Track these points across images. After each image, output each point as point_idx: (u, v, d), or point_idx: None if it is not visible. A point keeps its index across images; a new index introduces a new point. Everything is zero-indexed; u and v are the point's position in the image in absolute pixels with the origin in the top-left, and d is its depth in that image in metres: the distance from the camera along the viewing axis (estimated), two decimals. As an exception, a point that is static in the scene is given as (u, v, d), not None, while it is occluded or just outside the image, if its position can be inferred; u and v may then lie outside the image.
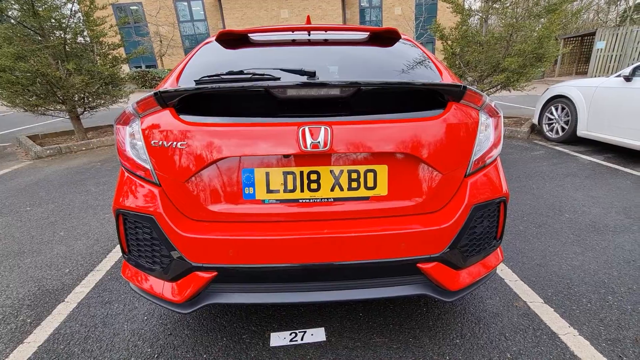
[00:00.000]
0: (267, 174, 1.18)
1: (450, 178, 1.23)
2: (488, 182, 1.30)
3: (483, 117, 1.28)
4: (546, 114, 5.10)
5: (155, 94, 1.15)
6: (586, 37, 16.28)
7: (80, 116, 5.61)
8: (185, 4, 23.33)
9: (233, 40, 1.72)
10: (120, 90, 5.77)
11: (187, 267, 1.20)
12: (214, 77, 1.30)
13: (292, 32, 1.74)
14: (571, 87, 4.68)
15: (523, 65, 5.18)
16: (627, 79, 3.91)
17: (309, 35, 1.75)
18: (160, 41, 20.55)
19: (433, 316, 1.63)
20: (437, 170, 1.20)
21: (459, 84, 1.20)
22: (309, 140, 1.11)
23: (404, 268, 1.24)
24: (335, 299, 1.26)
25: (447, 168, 1.21)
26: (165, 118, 1.19)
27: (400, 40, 1.77)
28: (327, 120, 1.13)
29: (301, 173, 1.19)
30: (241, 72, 1.31)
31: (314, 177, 1.19)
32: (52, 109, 5.30)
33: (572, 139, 4.69)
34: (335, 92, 1.14)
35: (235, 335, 1.55)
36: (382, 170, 1.20)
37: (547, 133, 5.11)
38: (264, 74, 1.30)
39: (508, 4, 5.30)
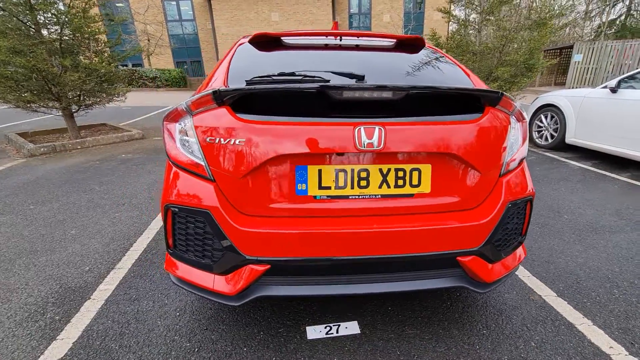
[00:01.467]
0: (320, 171, 1.24)
1: (487, 177, 1.33)
2: (519, 181, 1.40)
3: (513, 121, 1.38)
4: (536, 121, 5.37)
5: (215, 92, 1.19)
6: (564, 50, 17.11)
7: (75, 114, 5.47)
8: (174, 3, 23.03)
9: (267, 42, 1.77)
10: (115, 88, 5.66)
11: (241, 260, 1.24)
12: (266, 78, 1.36)
13: (325, 37, 1.82)
14: (560, 96, 4.95)
15: (514, 74, 5.44)
16: (613, 90, 4.18)
17: (340, 40, 1.82)
18: (148, 40, 20.16)
19: (458, 309, 1.72)
20: (477, 170, 1.30)
21: (497, 90, 1.30)
22: (364, 139, 1.18)
23: (444, 261, 1.32)
24: (379, 291, 1.32)
25: (485, 168, 1.31)
26: (222, 116, 1.23)
27: (425, 47, 1.87)
28: (380, 121, 1.21)
29: (352, 171, 1.25)
30: (293, 74, 1.37)
31: (363, 174, 1.26)
32: (45, 106, 5.15)
33: (561, 146, 4.95)
34: (388, 94, 1.22)
35: (272, 329, 1.58)
36: (426, 169, 1.28)
37: (536, 140, 5.37)
38: (314, 76, 1.36)
39: (501, 16, 5.57)
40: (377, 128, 1.19)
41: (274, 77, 1.36)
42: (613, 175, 3.94)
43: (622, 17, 21.51)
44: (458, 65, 1.73)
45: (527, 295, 1.83)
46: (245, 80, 1.36)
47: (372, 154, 1.23)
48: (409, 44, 1.84)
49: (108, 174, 3.92)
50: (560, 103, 4.87)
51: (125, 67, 19.36)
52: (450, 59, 1.80)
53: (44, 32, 5.13)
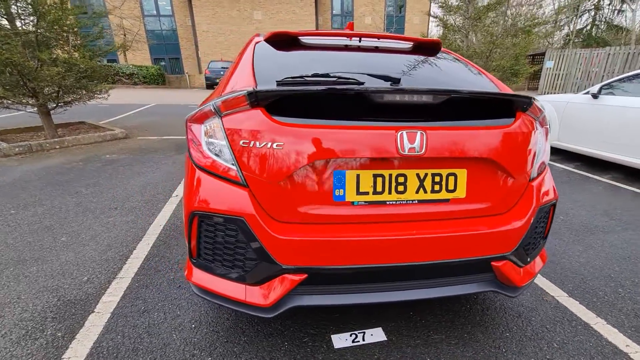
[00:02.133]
0: (358, 176, 1.20)
1: (519, 182, 1.34)
2: (546, 185, 1.42)
3: (538, 126, 1.40)
4: (521, 125, 5.56)
5: (250, 93, 1.13)
6: (537, 57, 17.92)
7: (52, 111, 5.14)
8: (152, -3, 22.23)
9: (285, 41, 1.72)
10: (96, 85, 5.37)
11: (277, 269, 1.18)
12: (299, 79, 1.30)
13: (344, 37, 1.78)
14: (544, 101, 5.16)
15: (501, 79, 5.63)
16: (594, 96, 4.40)
17: (360, 41, 1.79)
18: (124, 35, 19.31)
19: (478, 312, 1.73)
20: (510, 175, 1.30)
21: (529, 96, 1.31)
22: (406, 144, 1.15)
23: (478, 266, 1.32)
24: (414, 297, 1.30)
25: (518, 172, 1.31)
26: (257, 118, 1.16)
27: (441, 51, 1.87)
28: (421, 125, 1.18)
29: (390, 175, 1.22)
30: (327, 75, 1.32)
31: (401, 179, 1.23)
32: (19, 102, 4.80)
33: (545, 149, 5.15)
34: (429, 98, 1.20)
35: (296, 339, 1.53)
36: (462, 174, 1.28)
37: (521, 142, 5.57)
38: (349, 78, 1.32)
39: (489, 22, 5.74)
40: (418, 132, 1.17)
41: (307, 79, 1.30)
42: (596, 177, 4.15)
43: (588, 27, 22.83)
44: (479, 69, 1.75)
45: (541, 296, 1.87)
46: (277, 81, 1.30)
47: (411, 159, 1.21)
48: (427, 47, 1.84)
49: (94, 176, 3.70)
50: (545, 108, 5.07)
51: (99, 63, 18.48)
52: (469, 63, 1.81)
53: (18, 23, 4.79)
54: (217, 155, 1.22)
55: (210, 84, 18.00)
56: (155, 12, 22.69)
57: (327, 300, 1.25)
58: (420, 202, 1.26)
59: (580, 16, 22.58)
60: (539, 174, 1.42)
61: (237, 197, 1.18)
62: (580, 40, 22.36)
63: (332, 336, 1.55)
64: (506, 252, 1.31)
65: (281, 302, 1.21)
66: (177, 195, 3.18)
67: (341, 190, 1.21)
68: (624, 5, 21.12)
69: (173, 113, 8.92)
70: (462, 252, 1.27)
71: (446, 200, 1.28)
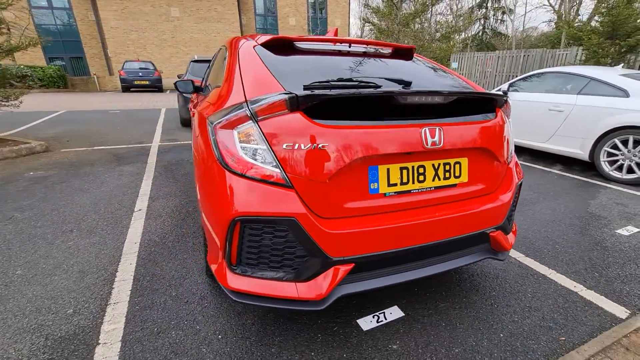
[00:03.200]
0: (388, 170, 1.35)
1: (502, 165, 1.64)
2: (517, 167, 1.76)
3: (507, 119, 1.73)
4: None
5: (293, 97, 1.19)
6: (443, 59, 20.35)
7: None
8: (41, -14, 19.03)
9: (282, 46, 1.77)
10: (6, 91, 4.50)
11: (327, 262, 1.26)
12: (325, 83, 1.39)
13: (334, 43, 1.90)
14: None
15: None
16: (505, 93, 5.29)
17: (350, 47, 1.93)
18: (8, 29, 16.16)
19: (467, 281, 2.03)
20: (497, 159, 1.59)
21: (505, 94, 1.61)
22: (429, 139, 1.34)
23: (480, 238, 1.58)
24: (432, 273, 1.49)
25: (501, 157, 1.61)
26: (298, 121, 1.22)
27: (414, 55, 2.12)
28: (438, 122, 1.38)
29: (412, 167, 1.39)
30: (350, 80, 1.43)
31: (421, 170, 1.41)
32: None
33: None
34: (441, 99, 1.39)
35: (327, 329, 1.61)
36: (464, 162, 1.52)
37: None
38: (369, 82, 1.45)
39: (416, 28, 6.40)
40: (437, 128, 1.36)
41: (332, 83, 1.40)
42: (512, 159, 5.00)
43: (480, 34, 26.73)
44: (451, 72, 2.03)
45: (507, 259, 2.26)
46: (304, 86, 1.36)
47: (429, 152, 1.39)
48: (405, 52, 2.06)
49: (23, 197, 3.14)
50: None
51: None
52: (441, 66, 2.09)
53: None
54: (255, 159, 1.24)
55: (127, 87, 16.23)
56: (46, 3, 19.47)
57: (368, 285, 1.37)
58: (436, 188, 1.46)
59: (473, 23, 26.29)
60: (512, 158, 1.75)
61: (285, 198, 1.22)
62: (475, 44, 26.06)
63: (357, 321, 1.67)
64: (499, 223, 1.60)
65: (331, 293, 1.29)
66: (140, 210, 2.92)
67: (375, 184, 1.34)
68: (505, 16, 25.28)
69: (94, 120, 7.89)
70: (469, 227, 1.51)
71: (454, 185, 1.51)
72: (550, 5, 24.03)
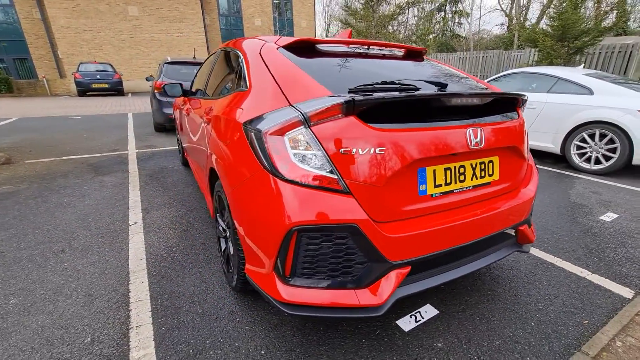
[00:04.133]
0: (434, 171, 1.37)
1: (525, 161, 1.72)
2: (533, 162, 1.86)
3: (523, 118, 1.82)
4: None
5: (349, 102, 1.16)
6: (410, 59, 21.04)
7: None
8: (-27, -21, 17.19)
9: (305, 48, 1.73)
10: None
11: (387, 267, 1.25)
12: (369, 86, 1.37)
13: (357, 46, 1.89)
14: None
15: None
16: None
17: (368, 49, 1.93)
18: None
19: (487, 275, 2.10)
20: (523, 157, 1.67)
21: (524, 94, 1.69)
22: (473, 139, 1.37)
23: (510, 233, 1.65)
24: (473, 269, 1.53)
25: (525, 154, 1.69)
26: (353, 126, 1.20)
27: (425, 56, 2.17)
28: (479, 123, 1.42)
29: (455, 168, 1.42)
30: (393, 82, 1.42)
31: (462, 170, 1.45)
32: None
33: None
34: (478, 100, 1.43)
35: (370, 333, 1.60)
36: (496, 160, 1.57)
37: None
38: (409, 84, 1.45)
39: (392, 30, 6.56)
40: (479, 129, 1.40)
41: (376, 86, 1.38)
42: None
43: (440, 36, 28.00)
44: (464, 73, 2.10)
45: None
46: (349, 89, 1.34)
47: (468, 152, 1.43)
48: (417, 54, 2.10)
49: (-5, 216, 2.81)
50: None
51: None
52: (455, 68, 2.15)
53: None
54: (310, 165, 1.20)
55: (84, 90, 15.09)
56: (-19, -1, 17.61)
57: (420, 286, 1.37)
58: (474, 187, 1.50)
59: (435, 25, 27.50)
60: (529, 154, 1.84)
61: (344, 204, 1.19)
62: (436, 45, 27.26)
63: (397, 322, 1.67)
64: (526, 217, 1.68)
65: (390, 298, 1.28)
66: (136, 223, 2.72)
67: (424, 186, 1.35)
68: (462, 19, 26.71)
69: (54, 128, 7.24)
70: (504, 223, 1.57)
71: (488, 184, 1.56)
72: (502, 9, 25.80)
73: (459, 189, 1.45)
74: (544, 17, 21.85)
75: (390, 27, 6.56)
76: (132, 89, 19.21)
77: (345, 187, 1.20)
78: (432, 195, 1.37)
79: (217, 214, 2.04)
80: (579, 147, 4.46)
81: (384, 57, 1.93)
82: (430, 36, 20.37)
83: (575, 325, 1.67)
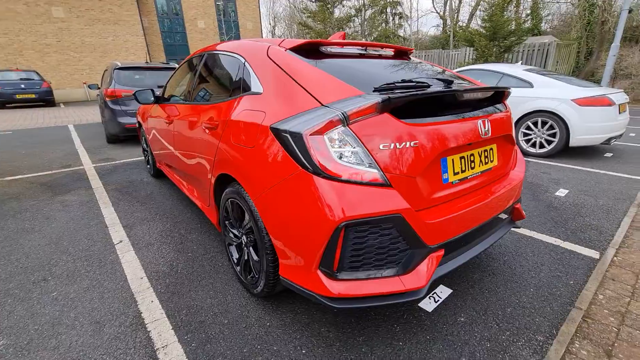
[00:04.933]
0: (453, 160, 1.50)
1: (514, 148, 1.94)
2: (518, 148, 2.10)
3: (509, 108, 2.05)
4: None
5: (385, 100, 1.24)
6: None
7: None
8: None
9: (310, 50, 1.77)
10: None
11: (426, 252, 1.35)
12: (391, 85, 1.45)
13: (356, 47, 1.97)
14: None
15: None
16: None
17: (366, 50, 2.02)
18: None
19: (482, 253, 2.31)
20: (513, 143, 1.88)
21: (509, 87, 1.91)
22: (483, 129, 1.53)
23: (508, 211, 1.85)
24: (484, 248, 1.70)
25: (514, 140, 1.90)
26: (388, 122, 1.28)
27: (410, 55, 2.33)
28: (485, 114, 1.58)
29: (467, 156, 1.57)
30: (410, 81, 1.52)
31: (472, 158, 1.60)
32: None
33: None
34: (482, 94, 1.59)
35: (399, 318, 1.69)
36: (494, 147, 1.76)
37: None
38: (422, 82, 1.56)
39: (351, 32, 6.77)
40: (486, 120, 1.56)
41: (397, 84, 1.47)
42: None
43: (383, 38, 29.32)
44: (449, 70, 2.29)
45: (497, 229, 2.65)
46: (374, 88, 1.41)
47: (479, 141, 1.58)
48: (406, 53, 2.25)
49: (-58, 251, 2.40)
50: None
51: None
52: (438, 66, 2.33)
53: None
54: (351, 162, 1.26)
55: (5, 102, 13.26)
56: None
57: (449, 267, 1.49)
58: (482, 172, 1.67)
59: (379, 27, 28.79)
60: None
61: (387, 196, 1.26)
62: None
63: (419, 305, 1.79)
64: (519, 196, 1.90)
65: (430, 279, 1.38)
66: (121, 242, 2.52)
67: (446, 174, 1.47)
68: (402, 20, 28.24)
69: (-22, 146, 6.30)
70: (506, 203, 1.76)
71: (490, 169, 1.74)
72: (437, 12, 27.85)
73: (471, 175, 1.60)
74: (473, 19, 24.07)
75: (348, 28, 6.77)
76: (63, 98, 17.36)
77: (386, 180, 1.27)
78: (452, 182, 1.50)
79: (227, 222, 1.99)
80: (525, 134, 5.03)
81: (379, 57, 2.04)
82: (374, 36, 21.37)
83: (564, 287, 1.93)
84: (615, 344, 1.52)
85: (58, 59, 17.70)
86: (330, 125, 1.25)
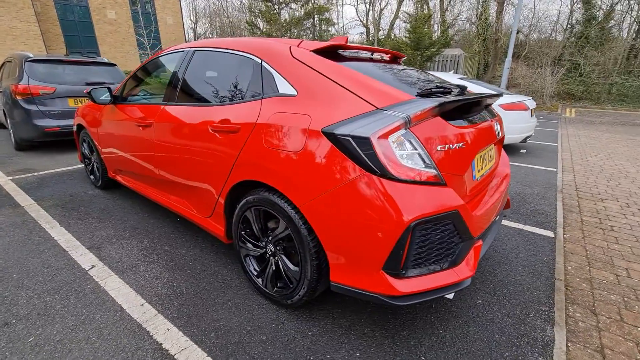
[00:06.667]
0: (477, 159, 1.67)
1: (501, 147, 2.23)
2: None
3: (486, 114, 2.35)
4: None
5: (442, 104, 1.34)
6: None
7: None
8: None
9: (331, 53, 1.78)
10: None
11: (472, 242, 1.48)
12: (427, 90, 1.55)
13: (370, 51, 2.03)
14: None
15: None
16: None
17: (372, 54, 2.10)
18: None
19: (466, 239, 2.59)
20: (502, 142, 2.16)
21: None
22: (497, 130, 1.74)
23: (504, 204, 2.12)
24: (495, 235, 1.93)
25: (503, 140, 2.19)
26: (441, 125, 1.39)
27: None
28: (493, 117, 1.79)
29: (482, 155, 1.76)
30: (442, 86, 1.63)
31: (485, 157, 1.80)
32: None
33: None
34: (493, 99, 1.80)
35: (429, 308, 1.80)
36: (494, 148, 2.00)
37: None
38: (450, 88, 1.70)
39: (300, 33, 6.80)
40: (496, 123, 1.77)
41: (433, 90, 1.57)
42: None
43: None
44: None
45: (471, 219, 2.99)
46: (417, 92, 1.49)
47: (494, 141, 1.79)
48: (399, 58, 2.40)
49: None
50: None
51: None
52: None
53: None
54: (415, 163, 1.32)
55: None
56: None
57: (482, 254, 1.65)
58: (489, 169, 1.88)
59: (306, 30, 29.35)
60: (495, 142, 2.38)
61: (445, 194, 1.36)
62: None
63: (440, 294, 1.93)
64: (508, 189, 2.19)
65: (476, 267, 1.51)
66: (94, 266, 2.14)
67: (474, 171, 1.63)
68: (329, 27, 29.31)
69: None
70: (507, 196, 2.02)
71: (492, 166, 1.97)
72: (360, 20, 29.67)
73: (485, 172, 1.80)
74: (392, 29, 26.25)
75: (295, 30, 6.79)
76: None
77: (442, 180, 1.36)
78: (477, 178, 1.67)
79: (243, 233, 1.86)
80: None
81: (382, 61, 2.14)
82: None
83: (541, 263, 2.29)
84: (595, 305, 1.88)
85: None
86: (396, 129, 1.29)
